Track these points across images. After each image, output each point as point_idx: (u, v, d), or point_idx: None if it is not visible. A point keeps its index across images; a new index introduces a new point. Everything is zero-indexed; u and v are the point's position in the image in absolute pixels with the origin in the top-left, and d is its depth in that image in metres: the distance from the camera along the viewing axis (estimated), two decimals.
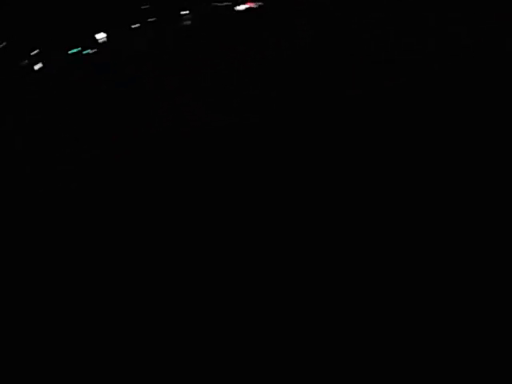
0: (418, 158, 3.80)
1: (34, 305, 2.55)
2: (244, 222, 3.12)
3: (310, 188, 3.53)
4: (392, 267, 2.30)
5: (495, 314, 1.84)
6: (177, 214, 3.46)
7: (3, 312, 2.52)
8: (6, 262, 3.16)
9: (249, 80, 7.63)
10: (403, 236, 2.58)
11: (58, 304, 2.51)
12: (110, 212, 3.82)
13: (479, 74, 6.65)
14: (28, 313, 2.46)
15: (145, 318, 2.21)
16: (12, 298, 2.67)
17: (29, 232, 3.66)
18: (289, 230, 2.91)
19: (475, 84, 6.05)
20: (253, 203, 3.43)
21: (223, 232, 3.07)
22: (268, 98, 7.03)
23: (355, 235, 2.70)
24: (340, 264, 2.42)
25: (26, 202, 4.51)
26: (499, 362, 1.59)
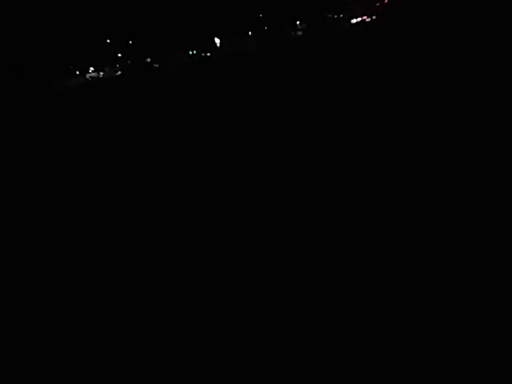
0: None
1: (33, 304, 2.46)
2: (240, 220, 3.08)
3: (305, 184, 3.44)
4: (390, 266, 2.17)
5: (495, 314, 1.74)
6: (173, 213, 3.44)
7: (3, 312, 2.44)
8: (6, 262, 3.09)
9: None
10: (399, 233, 2.45)
11: (57, 303, 2.43)
12: (109, 210, 3.82)
13: None
14: (28, 312, 2.38)
15: (144, 318, 2.13)
16: (12, 297, 2.59)
17: (29, 232, 3.63)
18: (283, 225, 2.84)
19: None
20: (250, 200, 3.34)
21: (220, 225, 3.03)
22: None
23: (346, 231, 2.58)
24: (334, 261, 2.32)
25: (26, 202, 4.56)
26: (499, 361, 1.49)
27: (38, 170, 6.25)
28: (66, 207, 4.27)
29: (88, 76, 41.04)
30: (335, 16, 42.45)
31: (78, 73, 40.73)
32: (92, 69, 42.25)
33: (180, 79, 17.71)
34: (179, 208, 3.59)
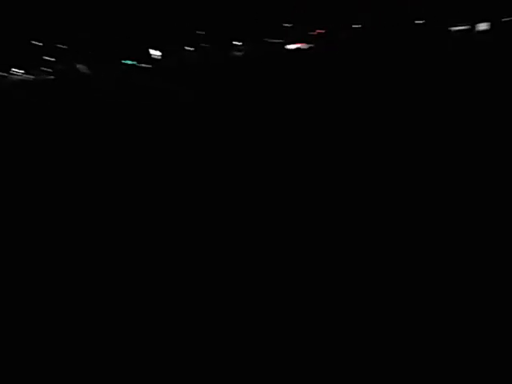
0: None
1: (33, 305, 2.45)
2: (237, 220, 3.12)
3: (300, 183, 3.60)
4: (390, 266, 2.19)
5: (495, 314, 1.75)
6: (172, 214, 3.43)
7: (3, 312, 2.42)
8: (6, 263, 3.07)
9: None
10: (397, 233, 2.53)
11: (57, 304, 2.41)
12: (106, 209, 3.80)
13: None
14: (28, 313, 2.36)
15: (144, 319, 2.13)
16: (12, 298, 2.57)
17: (29, 232, 3.59)
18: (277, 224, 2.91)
19: None
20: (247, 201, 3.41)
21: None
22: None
23: (341, 230, 2.66)
24: (332, 260, 2.35)
25: (26, 202, 4.38)
26: (499, 362, 1.50)
27: (38, 170, 6.24)
28: (65, 206, 4.26)
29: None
30: (273, 40, 44.19)
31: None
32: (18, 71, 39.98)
33: (169, 80, 17.46)
34: (173, 207, 3.60)
